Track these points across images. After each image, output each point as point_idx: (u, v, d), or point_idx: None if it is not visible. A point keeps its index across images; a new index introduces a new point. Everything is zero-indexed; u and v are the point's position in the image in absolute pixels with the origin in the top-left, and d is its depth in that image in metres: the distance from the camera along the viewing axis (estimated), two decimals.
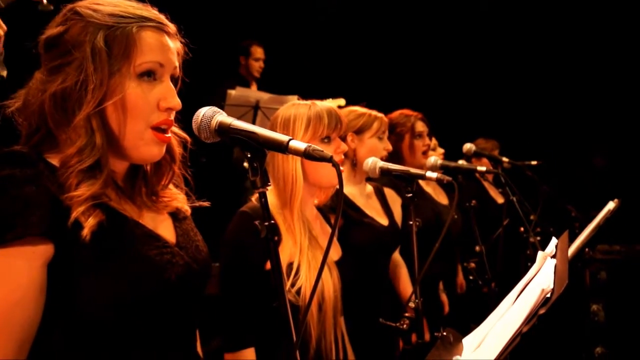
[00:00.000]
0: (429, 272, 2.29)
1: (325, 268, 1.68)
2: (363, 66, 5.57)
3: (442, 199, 3.00)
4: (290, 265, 1.61)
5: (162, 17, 1.06)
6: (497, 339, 1.02)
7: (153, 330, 1.01)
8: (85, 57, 0.97)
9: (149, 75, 1.02)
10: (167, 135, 1.06)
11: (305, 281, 1.59)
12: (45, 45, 1.02)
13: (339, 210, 1.00)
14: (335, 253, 1.82)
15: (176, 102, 1.05)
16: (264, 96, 4.15)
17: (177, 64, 1.07)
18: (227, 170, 4.11)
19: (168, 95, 1.04)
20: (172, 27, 1.07)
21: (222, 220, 1.83)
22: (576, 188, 4.75)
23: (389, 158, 2.61)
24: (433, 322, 2.42)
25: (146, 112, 1.01)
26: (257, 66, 4.80)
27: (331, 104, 2.21)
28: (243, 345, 1.60)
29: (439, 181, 1.77)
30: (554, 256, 1.20)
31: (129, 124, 1.00)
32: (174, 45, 1.07)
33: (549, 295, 0.93)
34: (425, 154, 2.77)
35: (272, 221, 1.02)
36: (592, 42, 5.26)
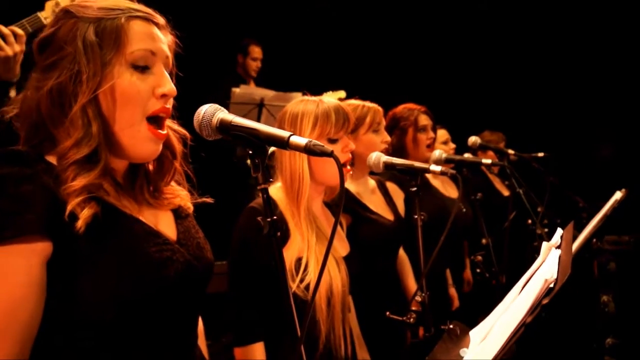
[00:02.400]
0: (436, 266, 2.29)
1: (334, 263, 1.69)
2: (367, 60, 5.55)
3: (450, 192, 2.99)
4: (299, 260, 1.62)
5: (150, 10, 1.07)
6: (503, 330, 1.02)
7: (153, 327, 1.01)
8: (78, 51, 0.99)
9: (142, 64, 1.03)
10: (162, 131, 1.06)
11: (313, 277, 1.60)
12: (39, 47, 1.03)
13: (340, 205, 1.00)
14: (343, 249, 1.82)
15: (171, 88, 1.05)
16: (269, 93, 4.15)
17: (169, 54, 1.08)
18: (231, 167, 4.13)
19: (163, 82, 1.04)
20: (161, 20, 1.08)
21: (227, 217, 1.84)
22: (583, 179, 4.72)
23: (394, 152, 2.61)
24: (440, 315, 2.41)
25: (141, 100, 1.02)
26: (254, 65, 4.86)
27: (332, 96, 2.20)
28: (252, 340, 1.61)
29: (443, 174, 1.76)
30: (559, 247, 1.20)
31: (125, 113, 1.01)
32: (164, 37, 1.07)
33: (552, 285, 0.92)
34: (429, 147, 2.75)
35: (275, 217, 1.02)
36: (596, 34, 5.22)
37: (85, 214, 0.93)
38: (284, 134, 1.01)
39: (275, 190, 1.72)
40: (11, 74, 1.76)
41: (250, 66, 4.83)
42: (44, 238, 0.92)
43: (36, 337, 0.93)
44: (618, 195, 2.12)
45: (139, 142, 1.03)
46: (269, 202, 1.04)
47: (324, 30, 5.49)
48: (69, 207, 0.93)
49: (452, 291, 2.90)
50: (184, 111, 1.15)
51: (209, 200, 1.24)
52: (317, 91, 1.87)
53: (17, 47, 1.78)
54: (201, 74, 4.16)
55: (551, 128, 5.30)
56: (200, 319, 1.22)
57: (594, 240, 2.62)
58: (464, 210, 2.81)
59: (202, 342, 1.20)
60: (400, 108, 2.82)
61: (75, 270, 0.94)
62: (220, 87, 4.17)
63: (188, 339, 1.12)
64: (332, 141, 1.72)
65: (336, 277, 1.66)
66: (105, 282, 0.94)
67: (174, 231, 1.12)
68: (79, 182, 0.95)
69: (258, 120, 4.05)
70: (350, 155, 1.80)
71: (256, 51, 4.84)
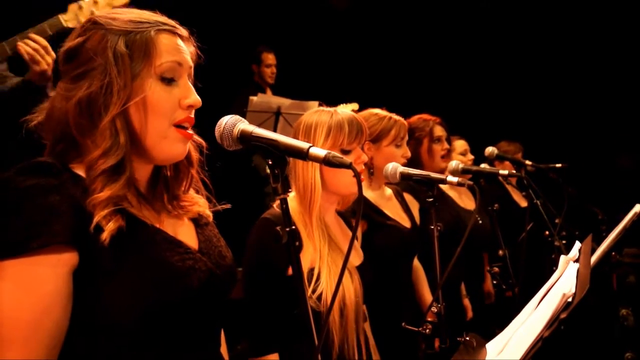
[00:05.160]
0: (451, 277, 2.29)
1: (347, 274, 1.69)
2: (382, 69, 5.56)
3: (467, 203, 2.98)
4: (311, 271, 1.62)
5: (175, 23, 1.11)
6: (519, 344, 1.02)
7: (176, 336, 1.02)
8: (108, 62, 1.01)
9: (169, 76, 1.05)
10: (189, 132, 1.09)
11: (326, 287, 1.60)
12: (67, 57, 1.05)
13: (358, 217, 1.01)
14: (357, 258, 1.83)
15: (196, 99, 1.08)
16: (286, 102, 4.18)
17: (192, 64, 1.11)
18: (248, 175, 4.16)
19: (188, 93, 1.07)
20: (184, 32, 1.11)
21: (244, 225, 1.85)
22: (603, 190, 4.66)
23: (408, 163, 2.61)
24: (454, 327, 2.40)
25: (169, 110, 1.05)
26: (269, 72, 4.86)
27: (345, 108, 2.21)
28: (267, 351, 1.62)
29: (460, 185, 1.76)
30: (577, 260, 1.20)
31: (153, 123, 1.04)
32: (188, 48, 1.11)
33: (570, 299, 0.92)
34: (444, 158, 2.77)
35: (294, 227, 1.03)
36: (614, 43, 5.17)
37: (110, 227, 0.95)
38: (303, 145, 1.02)
39: (289, 200, 1.72)
40: (46, 81, 1.94)
41: (266, 73, 4.85)
42: (70, 248, 0.93)
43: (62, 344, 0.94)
44: (638, 208, 2.09)
45: (167, 144, 1.06)
46: (288, 212, 1.04)
47: (339, 38, 5.51)
48: (95, 219, 0.95)
49: (466, 302, 2.89)
50: (204, 121, 1.17)
51: (227, 206, 1.26)
52: (333, 100, 1.88)
53: (49, 58, 1.94)
54: (221, 84, 4.23)
55: (570, 138, 5.25)
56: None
57: (613, 253, 2.59)
58: (480, 221, 2.80)
59: (224, 351, 1.21)
60: (415, 119, 2.83)
61: (100, 280, 0.95)
62: (241, 97, 4.21)
63: (210, 347, 1.12)
64: (345, 152, 1.73)
65: (349, 287, 1.66)
66: (129, 292, 0.96)
67: (195, 240, 1.13)
68: (105, 193, 0.97)
69: (274, 128, 4.08)
70: (363, 167, 1.80)
71: (269, 58, 4.85)
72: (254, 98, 4.07)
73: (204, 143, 1.18)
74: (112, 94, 1.00)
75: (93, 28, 1.04)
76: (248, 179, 4.17)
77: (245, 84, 4.70)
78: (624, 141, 5.30)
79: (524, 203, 3.66)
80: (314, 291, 1.59)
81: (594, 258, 1.75)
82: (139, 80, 1.02)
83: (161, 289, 0.98)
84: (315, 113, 1.76)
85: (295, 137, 1.72)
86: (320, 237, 1.67)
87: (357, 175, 1.00)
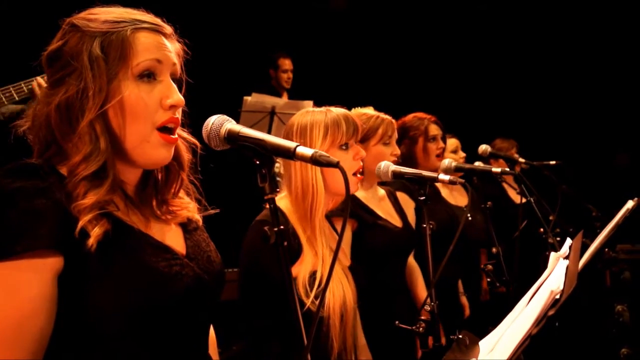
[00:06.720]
0: (446, 275, 2.28)
1: (344, 276, 1.67)
2: (376, 68, 5.56)
3: (459, 200, 2.99)
4: (313, 274, 1.59)
5: (157, 20, 1.07)
6: (509, 342, 1.02)
7: (163, 341, 1.01)
8: (84, 66, 0.98)
9: (149, 75, 1.02)
10: (173, 136, 1.06)
11: (329, 292, 1.58)
12: (48, 61, 1.04)
13: (346, 216, 1.00)
14: (346, 259, 1.81)
15: (178, 98, 1.04)
16: (280, 102, 4.18)
17: (176, 62, 1.07)
18: (246, 174, 4.14)
19: (169, 93, 1.03)
20: (168, 28, 1.08)
21: (240, 224, 1.84)
22: (598, 187, 4.67)
23: (403, 161, 2.61)
24: (451, 325, 2.40)
25: (149, 112, 1.02)
26: (285, 77, 4.93)
27: (359, 111, 2.21)
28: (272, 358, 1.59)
29: (452, 183, 1.76)
30: (567, 257, 1.20)
31: (133, 125, 1.01)
32: (172, 45, 1.07)
33: (558, 296, 0.92)
34: (439, 156, 2.76)
35: (282, 227, 1.02)
36: (612, 40, 5.18)
37: (96, 232, 0.93)
38: (290, 144, 1.01)
39: (285, 202, 1.71)
40: None
41: (282, 78, 4.92)
42: (56, 253, 0.91)
43: (46, 351, 0.93)
44: (630, 204, 2.10)
45: (150, 150, 1.03)
46: (276, 212, 1.03)
47: (333, 37, 5.51)
48: (80, 224, 0.93)
49: (463, 300, 2.89)
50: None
51: (215, 210, 1.23)
52: (331, 101, 1.87)
53: None
54: (238, 88, 4.22)
55: (566, 136, 5.26)
56: (212, 328, 1.22)
57: (607, 249, 2.59)
58: (470, 218, 2.80)
59: (213, 352, 1.20)
60: (410, 117, 2.82)
61: (85, 285, 0.94)
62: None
63: (198, 351, 1.11)
64: (344, 149, 1.72)
65: (348, 290, 1.64)
66: (114, 297, 0.94)
67: (182, 245, 1.12)
68: (89, 199, 0.95)
69: (269, 128, 4.07)
70: (361, 163, 1.78)
71: (286, 63, 4.92)
72: (248, 98, 4.07)
73: (197, 143, 1.16)
74: (87, 99, 0.98)
75: (71, 31, 1.02)
76: (246, 177, 4.15)
77: (263, 88, 4.70)
78: (619, 139, 5.31)
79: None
80: (317, 296, 1.55)
81: (586, 255, 1.75)
82: (116, 82, 1.00)
83: (146, 295, 0.97)
84: (307, 113, 1.74)
85: (289, 139, 1.69)
86: (322, 242, 1.64)
87: (344, 175, 0.99)
